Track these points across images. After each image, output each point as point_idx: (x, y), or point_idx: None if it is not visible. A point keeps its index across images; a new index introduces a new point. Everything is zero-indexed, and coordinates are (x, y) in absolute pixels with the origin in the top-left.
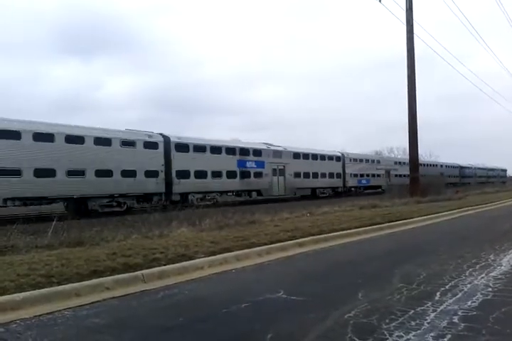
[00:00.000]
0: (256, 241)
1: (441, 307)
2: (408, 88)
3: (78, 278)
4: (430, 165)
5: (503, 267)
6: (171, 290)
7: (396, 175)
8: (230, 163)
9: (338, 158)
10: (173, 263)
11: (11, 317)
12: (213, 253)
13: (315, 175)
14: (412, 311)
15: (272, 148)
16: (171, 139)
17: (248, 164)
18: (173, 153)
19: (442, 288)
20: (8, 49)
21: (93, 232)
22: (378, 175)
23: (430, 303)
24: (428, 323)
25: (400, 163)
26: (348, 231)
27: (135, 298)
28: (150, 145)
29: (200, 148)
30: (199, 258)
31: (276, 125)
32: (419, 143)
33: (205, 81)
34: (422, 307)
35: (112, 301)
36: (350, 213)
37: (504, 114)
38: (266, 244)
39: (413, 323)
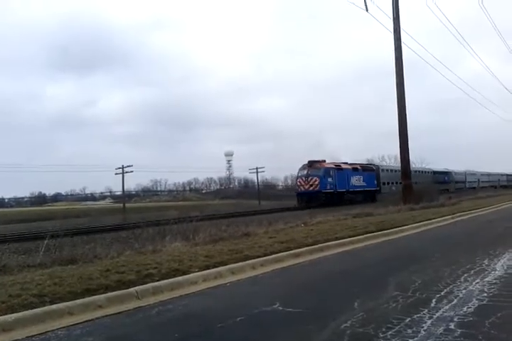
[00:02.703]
0: (250, 254)
1: (438, 314)
2: (397, 96)
3: (71, 296)
4: (424, 172)
5: (497, 272)
6: (165, 306)
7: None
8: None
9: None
10: (167, 279)
11: (3, 339)
12: (207, 267)
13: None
14: (409, 319)
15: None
16: (379, 167)
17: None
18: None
19: (438, 295)
20: (5, 65)
21: (86, 249)
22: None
23: (426, 310)
24: (425, 330)
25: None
26: (343, 240)
27: (129, 315)
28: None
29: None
30: (193, 272)
31: (272, 136)
32: (410, 150)
33: (200, 94)
34: (418, 315)
35: (106, 319)
36: (345, 222)
37: (495, 119)
38: (260, 256)
39: (410, 331)
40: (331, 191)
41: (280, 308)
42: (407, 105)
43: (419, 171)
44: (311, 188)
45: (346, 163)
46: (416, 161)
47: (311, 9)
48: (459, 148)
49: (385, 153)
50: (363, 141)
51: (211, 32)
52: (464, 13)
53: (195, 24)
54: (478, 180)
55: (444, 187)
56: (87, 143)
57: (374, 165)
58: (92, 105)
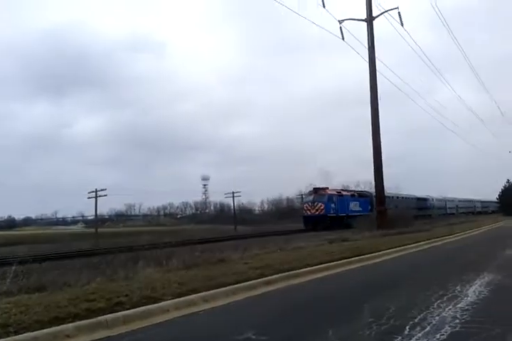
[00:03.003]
0: (224, 281)
1: None
2: (372, 123)
3: (38, 326)
4: (408, 198)
5: (469, 298)
6: (135, 335)
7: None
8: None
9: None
10: (139, 307)
11: None
12: (180, 295)
13: None
14: None
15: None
16: (372, 194)
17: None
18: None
19: (411, 322)
20: None
21: (55, 276)
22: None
23: (400, 338)
24: None
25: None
26: (319, 266)
27: None
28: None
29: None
30: (165, 300)
31: (249, 160)
32: (385, 176)
33: (177, 118)
34: None
35: None
36: (321, 248)
37: (466, 147)
38: (234, 284)
39: None
40: (334, 215)
41: (254, 337)
42: (382, 132)
43: (403, 197)
44: (317, 213)
45: (345, 190)
46: (391, 187)
47: (287, 37)
48: (432, 174)
49: (360, 179)
50: (338, 166)
51: (189, 56)
52: (437, 45)
53: (174, 48)
54: (457, 206)
55: (426, 212)
56: (60, 165)
57: (368, 192)
58: (67, 127)
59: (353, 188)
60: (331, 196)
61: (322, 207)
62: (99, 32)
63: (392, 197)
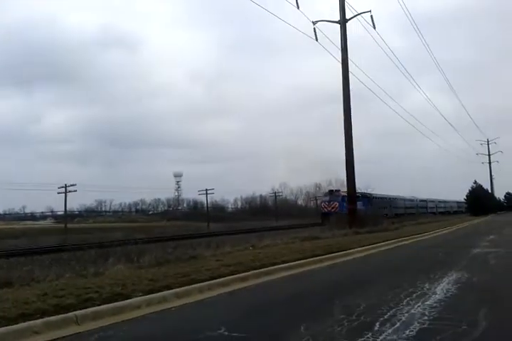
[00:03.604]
0: (197, 277)
1: (381, 338)
2: (344, 123)
3: (4, 322)
4: (394, 198)
5: (437, 295)
6: (105, 331)
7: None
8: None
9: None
10: (109, 303)
11: None
12: (152, 291)
13: None
14: None
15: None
16: (372, 194)
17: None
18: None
19: (381, 318)
20: None
21: (23, 272)
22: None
23: (370, 334)
24: None
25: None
26: (290, 263)
27: None
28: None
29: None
30: (136, 296)
31: (222, 158)
32: (357, 175)
33: (149, 114)
34: (362, 339)
35: None
36: (293, 245)
37: (436, 149)
38: (207, 280)
39: None
40: (345, 213)
41: (226, 333)
42: (354, 132)
43: (394, 198)
44: (332, 210)
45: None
46: (362, 187)
47: (262, 36)
48: (403, 175)
49: (333, 178)
50: (311, 165)
51: (162, 53)
52: (409, 49)
53: (147, 45)
54: (436, 206)
55: (412, 211)
56: (28, 160)
57: (369, 193)
58: (36, 122)
59: (325, 187)
60: (343, 197)
61: (336, 206)
62: (70, 27)
63: (386, 198)
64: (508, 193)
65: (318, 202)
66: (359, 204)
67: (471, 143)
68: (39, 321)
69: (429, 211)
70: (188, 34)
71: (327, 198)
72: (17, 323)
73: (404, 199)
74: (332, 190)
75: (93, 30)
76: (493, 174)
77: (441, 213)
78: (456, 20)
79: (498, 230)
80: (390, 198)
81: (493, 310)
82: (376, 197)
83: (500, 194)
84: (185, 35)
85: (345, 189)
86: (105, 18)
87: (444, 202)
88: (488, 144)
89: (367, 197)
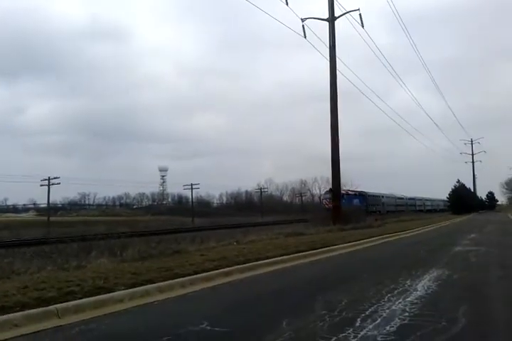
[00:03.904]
0: (180, 272)
1: (362, 333)
2: (331, 120)
3: None
4: (387, 197)
5: (418, 292)
6: (87, 325)
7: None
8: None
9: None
10: (91, 296)
11: None
12: (134, 285)
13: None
14: (335, 338)
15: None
16: (368, 193)
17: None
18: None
19: (363, 314)
20: None
21: (3, 264)
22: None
23: (351, 330)
24: None
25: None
26: (274, 259)
27: (47, 334)
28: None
29: (373, 195)
30: (119, 290)
31: (208, 153)
32: (342, 173)
33: (135, 108)
34: (344, 334)
35: (22, 339)
36: (277, 241)
37: (421, 148)
38: (190, 275)
39: None
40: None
41: (208, 328)
42: (341, 130)
43: (387, 196)
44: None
45: (350, 190)
46: (346, 184)
47: (251, 33)
48: (388, 173)
49: (318, 175)
50: (297, 162)
51: (150, 47)
52: (397, 48)
53: (135, 38)
54: (424, 204)
55: (402, 208)
56: (11, 152)
57: (364, 192)
58: (21, 113)
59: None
60: (343, 195)
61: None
62: (57, 18)
63: (379, 196)
64: (489, 193)
65: (321, 199)
66: (356, 202)
67: (456, 142)
68: (19, 314)
69: (417, 209)
70: (177, 28)
71: (328, 195)
72: None
73: (395, 198)
74: (332, 189)
75: (81, 22)
76: (476, 173)
77: (429, 211)
78: (444, 19)
79: (479, 229)
80: (382, 196)
81: (473, 307)
82: (370, 195)
83: (482, 193)
84: (173, 29)
85: (330, 186)
86: (93, 9)
87: (431, 200)
88: (471, 144)
89: (363, 195)
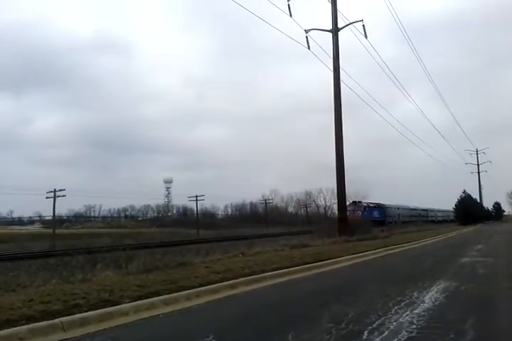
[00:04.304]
0: (185, 284)
1: None
2: (336, 131)
3: None
4: (402, 208)
5: (425, 304)
6: (93, 338)
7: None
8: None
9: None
10: (96, 309)
11: None
12: (140, 298)
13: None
14: None
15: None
16: (385, 205)
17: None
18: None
19: (369, 327)
20: None
21: (9, 277)
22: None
23: None
24: None
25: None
26: (279, 271)
27: None
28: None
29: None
30: (124, 303)
31: (213, 164)
32: (347, 183)
33: (141, 120)
34: None
35: None
36: (282, 253)
37: (426, 158)
38: (195, 287)
39: None
40: (367, 220)
41: None
42: (345, 140)
43: (402, 208)
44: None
45: (371, 203)
46: (350, 194)
47: (256, 43)
48: (394, 183)
49: (323, 186)
50: (302, 172)
51: (156, 59)
52: (402, 58)
53: (140, 50)
54: (436, 215)
55: (415, 219)
56: (17, 164)
57: (382, 204)
58: (25, 125)
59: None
60: (364, 207)
61: (359, 214)
62: (63, 31)
63: (395, 207)
64: (496, 203)
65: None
66: (376, 214)
67: (461, 152)
68: (24, 327)
69: (429, 219)
70: (181, 40)
71: (351, 207)
72: (2, 329)
73: (408, 209)
74: (355, 201)
75: (87, 34)
76: (482, 184)
77: (440, 221)
78: (448, 28)
79: (486, 239)
80: (398, 207)
81: (481, 319)
82: (388, 207)
83: (488, 203)
84: (177, 41)
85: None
86: (98, 23)
87: (442, 211)
88: (477, 154)
89: (381, 208)
